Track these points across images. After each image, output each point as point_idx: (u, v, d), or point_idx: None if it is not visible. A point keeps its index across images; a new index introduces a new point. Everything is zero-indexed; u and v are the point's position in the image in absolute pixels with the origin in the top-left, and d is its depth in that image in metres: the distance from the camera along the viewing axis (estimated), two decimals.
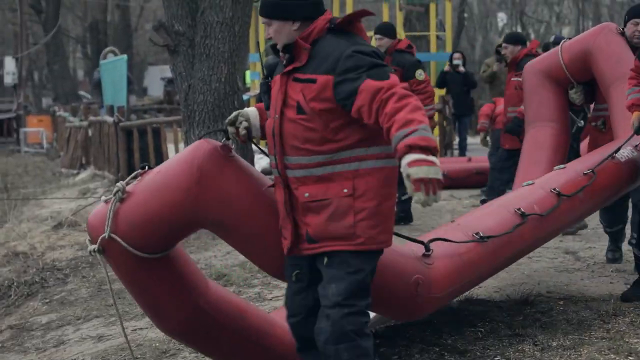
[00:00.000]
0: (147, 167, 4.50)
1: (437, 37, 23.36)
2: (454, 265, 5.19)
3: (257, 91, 15.33)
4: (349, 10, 21.70)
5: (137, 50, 49.09)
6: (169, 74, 24.42)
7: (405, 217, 9.82)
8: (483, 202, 9.96)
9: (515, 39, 10.08)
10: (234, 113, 4.58)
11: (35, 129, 28.85)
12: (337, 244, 4.20)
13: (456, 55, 17.21)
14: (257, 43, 6.45)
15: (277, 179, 4.35)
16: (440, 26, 23.74)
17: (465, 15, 39.56)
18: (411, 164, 3.84)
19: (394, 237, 4.46)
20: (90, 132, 17.56)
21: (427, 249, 5.08)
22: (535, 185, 6.12)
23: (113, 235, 4.35)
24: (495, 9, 47.24)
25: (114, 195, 4.40)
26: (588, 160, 6.47)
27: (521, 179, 6.72)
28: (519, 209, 5.70)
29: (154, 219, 4.36)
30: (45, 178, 18.61)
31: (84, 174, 17.29)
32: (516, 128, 9.57)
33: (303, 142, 4.22)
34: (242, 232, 4.49)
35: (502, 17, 49.12)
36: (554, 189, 5.97)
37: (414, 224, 9.83)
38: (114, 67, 17.43)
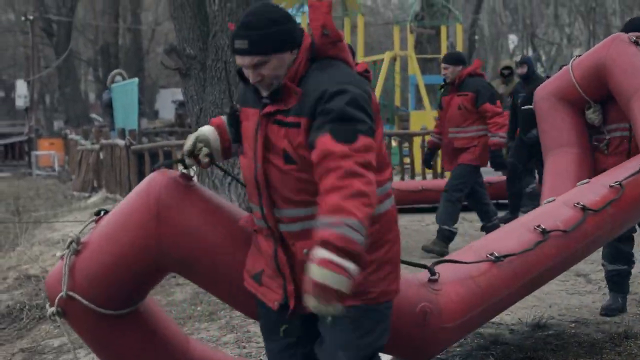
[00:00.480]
0: (102, 213, 4.14)
1: None
2: (467, 289, 4.62)
3: None
4: (360, 33, 21.76)
5: (149, 73, 49.33)
6: (180, 97, 24.50)
7: None
8: (483, 228, 9.87)
9: (455, 60, 9.64)
10: (190, 139, 3.92)
11: (47, 152, 28.99)
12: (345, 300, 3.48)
13: None
14: None
15: (263, 230, 3.75)
16: (451, 48, 23.76)
17: (476, 37, 39.66)
18: (320, 262, 3.22)
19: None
20: (101, 155, 17.57)
21: (432, 272, 4.53)
22: (557, 201, 5.68)
23: (71, 293, 3.93)
24: (506, 31, 47.23)
25: (68, 247, 4.00)
26: (613, 174, 5.97)
27: None
28: (538, 226, 5.19)
29: (113, 267, 3.95)
30: (57, 201, 18.62)
31: (95, 197, 17.27)
32: (500, 162, 9.51)
33: (297, 194, 3.59)
34: (210, 269, 4.01)
35: (513, 39, 49.16)
36: (578, 203, 5.50)
37: (423, 252, 9.66)
38: (124, 90, 17.43)
